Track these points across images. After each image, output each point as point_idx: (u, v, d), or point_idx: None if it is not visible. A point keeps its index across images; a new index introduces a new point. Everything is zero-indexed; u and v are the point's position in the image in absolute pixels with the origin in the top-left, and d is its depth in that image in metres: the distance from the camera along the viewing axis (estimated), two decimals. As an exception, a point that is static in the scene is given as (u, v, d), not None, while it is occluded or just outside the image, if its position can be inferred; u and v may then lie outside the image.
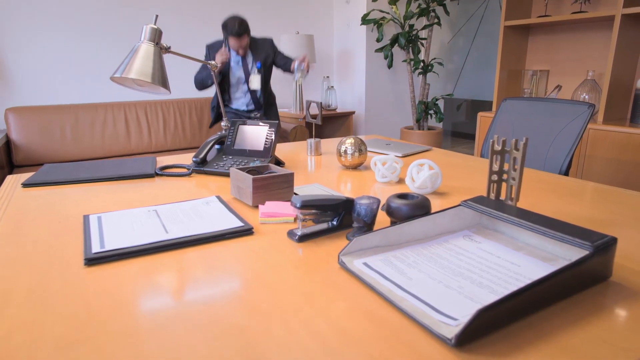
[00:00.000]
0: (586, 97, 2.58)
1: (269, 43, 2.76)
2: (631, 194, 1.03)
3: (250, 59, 2.72)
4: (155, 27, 1.22)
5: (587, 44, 2.74)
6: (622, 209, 0.92)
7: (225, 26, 2.55)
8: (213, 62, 1.46)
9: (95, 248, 0.70)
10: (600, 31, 2.65)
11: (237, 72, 2.74)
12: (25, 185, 1.11)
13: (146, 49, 1.20)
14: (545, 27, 2.92)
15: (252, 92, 2.80)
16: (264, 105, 2.87)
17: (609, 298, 0.57)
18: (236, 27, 2.51)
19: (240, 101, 2.84)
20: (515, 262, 0.64)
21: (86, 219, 0.84)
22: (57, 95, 2.85)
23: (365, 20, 3.34)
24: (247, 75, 2.73)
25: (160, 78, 1.20)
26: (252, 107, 2.88)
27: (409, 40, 3.30)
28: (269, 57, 2.74)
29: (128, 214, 0.87)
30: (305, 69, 2.60)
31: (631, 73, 2.52)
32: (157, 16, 1.25)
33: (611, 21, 2.55)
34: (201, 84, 2.73)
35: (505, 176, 0.83)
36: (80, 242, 0.75)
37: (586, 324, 0.51)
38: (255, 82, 2.70)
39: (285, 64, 2.77)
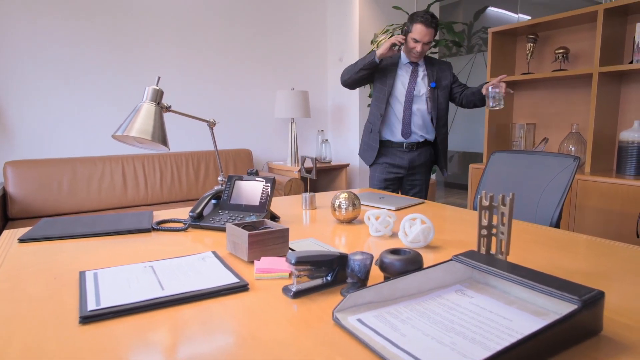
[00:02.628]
0: (572, 149, 2.67)
1: (448, 65, 2.30)
2: (620, 246, 1.05)
3: (421, 73, 2.23)
4: (157, 88, 1.28)
5: (569, 99, 2.86)
6: (612, 262, 0.94)
7: (414, 15, 2.12)
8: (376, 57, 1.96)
9: (91, 305, 0.70)
10: (581, 87, 2.78)
11: (400, 82, 2.22)
12: (22, 240, 1.12)
13: (147, 108, 1.25)
14: (529, 83, 3.07)
15: (410, 116, 2.22)
16: (437, 142, 2.30)
17: (601, 352, 0.57)
18: (428, 15, 2.07)
19: (396, 127, 2.27)
20: (507, 317, 0.65)
21: (82, 275, 0.85)
22: (57, 148, 2.90)
23: (357, 77, 3.49)
24: (411, 91, 2.20)
25: (160, 136, 1.24)
26: (408, 138, 2.27)
27: (400, 96, 3.43)
28: (446, 79, 2.25)
29: (124, 270, 0.87)
30: (503, 93, 1.94)
31: (613, 126, 2.63)
32: (159, 78, 1.32)
33: (589, 78, 2.69)
34: (350, 77, 2.23)
35: (494, 230, 0.85)
36: (76, 299, 0.76)
37: (578, 381, 0.51)
38: (425, 103, 2.22)
39: (463, 88, 2.25)
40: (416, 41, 2.10)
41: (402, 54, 2.24)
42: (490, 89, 1.95)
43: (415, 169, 2.33)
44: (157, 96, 1.28)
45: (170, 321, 0.67)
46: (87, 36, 2.91)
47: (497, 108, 1.96)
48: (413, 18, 2.10)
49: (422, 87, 2.22)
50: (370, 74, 2.23)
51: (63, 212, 2.76)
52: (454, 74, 2.28)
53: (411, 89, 2.20)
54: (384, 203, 1.55)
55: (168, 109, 1.31)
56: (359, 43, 3.57)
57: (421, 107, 2.23)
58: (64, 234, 1.15)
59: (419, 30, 2.07)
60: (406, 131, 2.25)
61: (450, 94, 2.29)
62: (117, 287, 0.78)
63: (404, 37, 2.09)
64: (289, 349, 0.59)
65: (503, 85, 1.94)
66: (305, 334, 0.63)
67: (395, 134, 2.27)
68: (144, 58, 3.12)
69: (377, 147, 2.29)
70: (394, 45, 2.07)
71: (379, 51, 2.10)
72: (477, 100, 2.20)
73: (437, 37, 3.84)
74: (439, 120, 2.29)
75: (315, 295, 0.77)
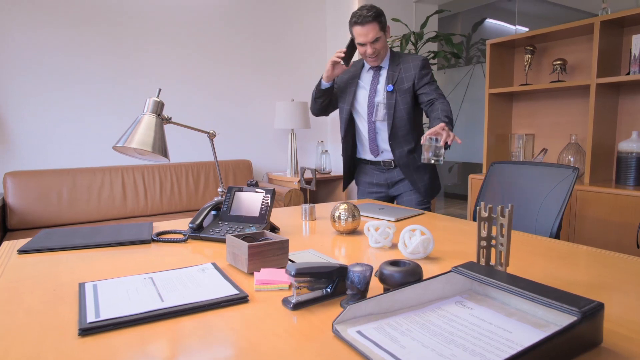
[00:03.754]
0: (571, 159, 2.68)
1: (416, 62, 1.84)
2: (620, 257, 1.05)
3: (383, 77, 1.88)
4: (157, 100, 1.29)
5: (568, 110, 2.88)
6: (612, 273, 0.94)
7: (350, 17, 1.78)
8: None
9: (90, 317, 0.70)
10: (579, 98, 2.80)
11: (362, 94, 1.91)
12: (21, 252, 1.12)
13: (148, 120, 1.26)
14: (527, 94, 3.09)
15: (375, 131, 1.91)
16: (398, 160, 1.91)
17: (601, 365, 0.57)
18: (362, 11, 1.72)
19: (365, 145, 1.98)
20: (507, 329, 0.65)
21: (82, 287, 0.85)
22: (57, 159, 2.91)
23: (357, 88, 3.52)
24: (372, 99, 1.88)
25: (161, 147, 1.25)
26: (379, 156, 1.96)
27: (399, 107, 3.45)
28: (408, 80, 1.83)
29: (124, 282, 0.87)
30: (442, 145, 1.49)
31: (612, 136, 2.64)
32: (160, 90, 1.33)
33: (587, 89, 2.71)
34: (313, 108, 2.02)
35: (494, 242, 0.85)
36: (75, 310, 0.76)
37: (579, 393, 0.51)
38: (381, 112, 1.86)
39: (430, 102, 1.80)
40: (362, 44, 1.78)
41: (365, 62, 1.93)
42: (428, 139, 1.49)
43: (399, 183, 1.99)
44: (158, 108, 1.29)
45: (169, 333, 0.67)
46: (87, 47, 2.94)
47: (433, 163, 1.54)
48: (349, 22, 1.78)
49: (381, 93, 1.87)
50: (333, 97, 1.99)
51: (63, 222, 2.76)
52: (423, 72, 1.82)
53: (372, 98, 1.88)
54: (384, 214, 1.55)
55: (169, 120, 1.32)
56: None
57: (379, 117, 1.88)
58: (63, 245, 1.15)
59: (357, 32, 1.75)
60: (373, 148, 1.94)
61: (416, 100, 1.87)
62: (116, 299, 0.78)
63: (344, 51, 1.77)
64: (288, 362, 0.59)
65: (444, 135, 1.47)
66: (305, 346, 0.63)
67: (366, 152, 1.99)
68: (144, 69, 3.14)
69: (350, 167, 2.07)
70: (336, 62, 1.79)
71: (324, 74, 1.86)
72: None
73: (435, 49, 3.88)
74: (396, 131, 1.86)
75: (315, 307, 0.77)
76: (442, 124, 1.50)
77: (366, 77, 1.92)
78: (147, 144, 1.22)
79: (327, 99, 1.97)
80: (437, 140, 1.49)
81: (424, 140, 1.51)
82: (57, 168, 2.86)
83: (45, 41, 2.81)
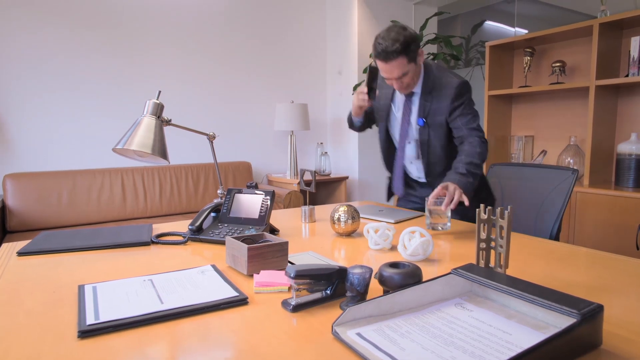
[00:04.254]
0: (571, 161, 2.68)
1: (449, 88, 1.53)
2: (619, 259, 1.05)
3: (415, 105, 1.60)
4: (157, 102, 1.29)
5: (567, 111, 2.89)
6: (612, 275, 0.94)
7: (373, 46, 1.48)
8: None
9: (90, 320, 0.70)
10: (578, 99, 2.81)
11: (396, 118, 1.67)
12: (21, 254, 1.12)
13: (148, 122, 1.26)
14: (526, 96, 3.09)
15: (410, 162, 1.71)
16: (431, 180, 1.69)
17: (601, 367, 0.57)
18: (385, 44, 1.41)
19: (411, 166, 1.73)
20: (506, 331, 0.65)
21: (81, 289, 0.85)
22: (57, 161, 2.91)
23: (356, 90, 3.52)
24: (405, 130, 1.63)
25: (160, 149, 1.25)
26: (422, 177, 1.72)
27: (399, 109, 3.45)
28: (441, 113, 1.56)
29: (123, 284, 0.87)
30: (444, 209, 1.28)
31: (611, 138, 2.64)
32: (159, 92, 1.33)
33: (586, 91, 2.72)
34: (351, 123, 1.79)
35: (493, 244, 0.85)
36: (75, 312, 0.75)
37: (578, 395, 0.51)
38: (412, 152, 1.66)
39: (459, 139, 1.54)
40: (387, 78, 1.52)
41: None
42: (432, 202, 1.34)
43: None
44: (158, 110, 1.29)
45: (169, 335, 0.67)
46: (87, 48, 2.94)
47: (439, 229, 1.35)
48: (373, 50, 1.49)
49: (413, 127, 1.62)
50: (371, 119, 1.78)
51: (62, 224, 2.75)
52: (456, 104, 1.52)
53: (404, 130, 1.63)
54: (383, 216, 1.55)
55: (168, 122, 1.32)
56: (357, 56, 3.61)
57: (410, 153, 1.67)
58: (63, 248, 1.15)
59: (380, 67, 1.49)
60: (408, 179, 1.76)
61: (450, 133, 1.59)
62: (116, 301, 0.78)
63: (366, 91, 1.52)
64: (288, 364, 0.59)
65: (446, 199, 1.28)
66: (305, 348, 0.63)
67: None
68: (144, 71, 3.15)
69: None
70: (362, 105, 1.58)
71: (352, 110, 1.67)
72: None
73: (435, 51, 3.88)
74: (433, 168, 1.64)
75: (314, 309, 0.77)
76: (443, 185, 1.32)
77: (399, 101, 1.65)
78: (147, 146, 1.22)
79: (364, 127, 1.79)
80: (437, 208, 1.33)
81: (429, 204, 1.34)
82: (56, 170, 2.86)
83: (46, 42, 2.81)
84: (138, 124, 1.26)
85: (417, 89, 1.58)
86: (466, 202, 1.28)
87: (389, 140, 1.73)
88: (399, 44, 1.40)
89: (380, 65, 1.48)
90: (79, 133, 2.96)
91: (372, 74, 1.51)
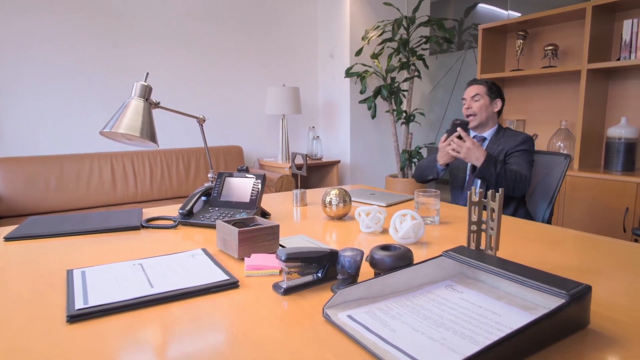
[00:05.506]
0: (561, 145, 2.69)
1: (520, 137, 1.76)
2: (608, 241, 1.06)
3: (485, 146, 1.83)
4: (145, 84, 1.26)
5: (558, 95, 2.89)
6: (600, 257, 0.95)
7: None
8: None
9: (79, 304, 0.69)
10: (570, 83, 2.81)
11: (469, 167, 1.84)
12: (7, 239, 1.10)
13: (136, 104, 1.24)
14: (519, 80, 3.09)
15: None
16: None
17: (588, 346, 0.58)
18: (477, 79, 1.82)
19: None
20: (496, 312, 0.66)
21: (69, 273, 0.84)
22: (45, 146, 2.86)
23: (348, 73, 3.49)
24: (471, 171, 1.82)
25: (149, 132, 1.23)
26: None
27: (391, 92, 3.44)
28: (503, 152, 1.75)
29: (113, 268, 0.86)
30: (443, 140, 1.70)
31: (601, 122, 2.66)
32: (147, 74, 1.30)
33: (578, 75, 2.72)
34: (420, 176, 1.94)
35: (484, 226, 0.86)
36: (64, 297, 0.75)
37: (566, 374, 0.52)
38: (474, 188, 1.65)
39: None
40: (464, 99, 1.86)
41: (471, 130, 1.87)
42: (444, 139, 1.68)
43: None
44: (146, 92, 1.26)
45: (159, 319, 0.67)
46: (74, 32, 2.87)
47: (427, 223, 1.26)
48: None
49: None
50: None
51: (51, 210, 2.72)
52: (519, 148, 1.72)
53: (471, 171, 1.81)
54: (375, 199, 1.55)
55: (157, 105, 1.30)
56: (349, 39, 3.57)
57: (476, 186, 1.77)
58: (51, 232, 1.14)
59: (466, 91, 1.87)
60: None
61: None
62: (105, 286, 0.77)
63: (452, 134, 1.68)
64: (279, 346, 0.59)
65: (450, 137, 1.65)
66: (296, 331, 0.63)
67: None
68: (132, 54, 3.08)
69: None
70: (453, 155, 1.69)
71: (440, 159, 1.76)
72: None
73: (427, 34, 3.85)
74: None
75: (305, 291, 0.77)
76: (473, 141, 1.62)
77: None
78: (135, 129, 1.20)
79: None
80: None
81: (441, 140, 1.70)
82: (44, 155, 2.81)
83: (32, 27, 2.73)
84: (126, 106, 1.24)
85: (488, 135, 1.85)
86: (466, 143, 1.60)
87: (460, 181, 1.90)
88: (485, 80, 1.85)
89: (467, 89, 1.87)
90: (67, 117, 2.91)
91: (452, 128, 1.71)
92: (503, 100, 1.86)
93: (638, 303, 0.71)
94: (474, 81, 1.88)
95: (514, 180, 1.61)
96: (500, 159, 1.71)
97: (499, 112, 1.86)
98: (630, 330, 0.62)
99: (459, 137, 1.66)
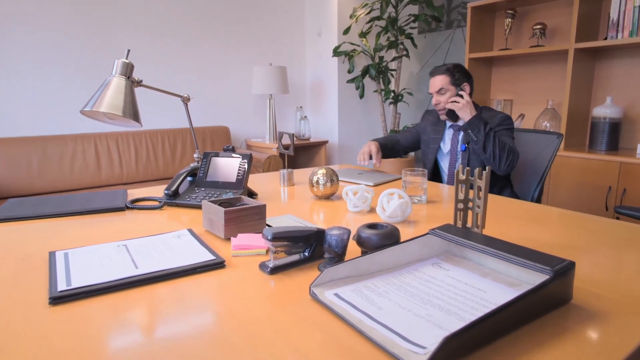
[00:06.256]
0: (547, 124, 2.71)
1: (496, 118, 1.73)
2: (591, 218, 1.08)
3: (461, 134, 1.79)
4: (126, 61, 1.23)
5: (546, 75, 2.89)
6: (583, 233, 0.96)
7: None
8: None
9: (61, 286, 0.68)
10: (557, 63, 2.81)
11: (444, 146, 1.85)
12: (-12, 221, 1.07)
13: (117, 82, 1.20)
14: (507, 59, 3.08)
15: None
16: None
17: (570, 321, 0.59)
18: (437, 66, 1.79)
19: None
20: (482, 289, 0.66)
21: (52, 255, 0.82)
22: (25, 126, 2.79)
23: (336, 52, 3.44)
24: (454, 155, 1.80)
25: (132, 111, 1.20)
26: None
27: (379, 72, 3.40)
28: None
29: (96, 250, 0.85)
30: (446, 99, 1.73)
31: (587, 102, 2.67)
32: (128, 51, 1.26)
33: (565, 54, 2.72)
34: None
35: (471, 204, 0.86)
36: (46, 280, 0.73)
37: (549, 347, 0.52)
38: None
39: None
40: (431, 95, 1.81)
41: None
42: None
43: None
44: (127, 70, 1.23)
45: (144, 300, 0.66)
46: (53, 8, 2.76)
47: (415, 202, 1.25)
48: None
49: (459, 153, 1.79)
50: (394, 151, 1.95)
51: (34, 192, 2.67)
52: (497, 128, 1.69)
53: (452, 159, 1.81)
54: (363, 179, 1.55)
55: (139, 83, 1.26)
56: (337, 17, 3.51)
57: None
58: (32, 214, 1.11)
59: (429, 83, 1.81)
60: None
61: None
62: (88, 267, 0.76)
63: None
64: (266, 325, 0.59)
65: (454, 97, 1.70)
66: (283, 310, 0.63)
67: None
68: (114, 31, 2.99)
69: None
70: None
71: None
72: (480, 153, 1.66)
73: (416, 12, 3.80)
74: None
75: (292, 271, 0.76)
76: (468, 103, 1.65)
77: (447, 134, 1.84)
78: (117, 108, 1.17)
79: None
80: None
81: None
82: (25, 136, 2.74)
83: (10, 5, 2.63)
84: (107, 84, 1.20)
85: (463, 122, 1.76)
86: (458, 103, 1.65)
87: (435, 168, 1.92)
88: (446, 66, 1.76)
89: (430, 81, 1.80)
90: (48, 97, 2.83)
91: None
92: (471, 81, 1.79)
93: (619, 278, 0.72)
94: (436, 71, 1.78)
95: (502, 149, 1.60)
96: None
97: (470, 94, 1.77)
98: (611, 305, 0.63)
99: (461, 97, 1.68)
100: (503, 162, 1.61)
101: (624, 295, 0.66)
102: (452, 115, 1.75)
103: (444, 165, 1.86)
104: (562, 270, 0.61)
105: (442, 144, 1.85)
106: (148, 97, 3.19)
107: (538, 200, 1.75)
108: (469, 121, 1.64)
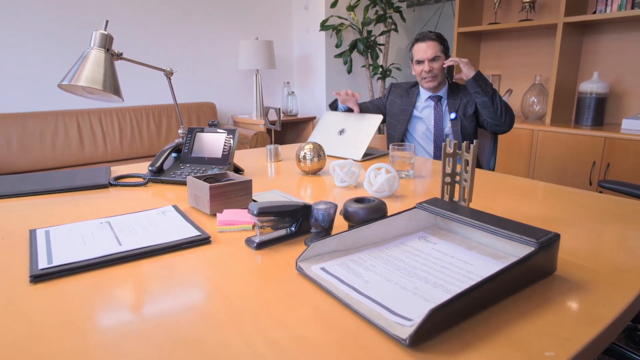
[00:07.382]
0: (535, 100, 2.72)
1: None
2: (575, 192, 1.09)
3: (444, 106, 1.78)
4: (105, 32, 1.18)
5: (534, 50, 2.88)
6: (567, 207, 0.97)
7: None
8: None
9: (42, 264, 0.67)
10: (546, 38, 2.79)
11: (420, 124, 1.83)
12: (-34, 199, 1.04)
13: (96, 55, 1.16)
14: (495, 33, 3.05)
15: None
16: None
17: (554, 291, 0.60)
18: (425, 31, 1.75)
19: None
20: (468, 261, 0.67)
21: (32, 233, 0.80)
22: (3, 103, 2.70)
23: (324, 26, 3.37)
24: (439, 125, 1.79)
25: (112, 85, 1.16)
26: None
27: (368, 46, 3.35)
28: (471, 104, 1.74)
29: (79, 227, 0.83)
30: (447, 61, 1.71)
31: (574, 77, 2.67)
32: (107, 22, 1.21)
33: (554, 29, 2.70)
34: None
35: (458, 178, 0.86)
36: (26, 258, 0.72)
37: (533, 317, 0.53)
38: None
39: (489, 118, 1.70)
40: (419, 62, 1.75)
41: (421, 90, 1.83)
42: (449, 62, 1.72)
43: None
44: (106, 42, 1.18)
45: (128, 277, 0.65)
46: (26, -23, 2.64)
47: (402, 177, 1.26)
48: (411, 44, 1.81)
49: (447, 123, 1.78)
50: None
51: (15, 171, 2.61)
52: None
53: (438, 130, 1.79)
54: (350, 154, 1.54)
55: (119, 56, 1.22)
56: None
57: None
58: (12, 192, 1.09)
59: (417, 49, 1.75)
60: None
61: (478, 120, 1.77)
62: (70, 245, 0.74)
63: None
64: (253, 301, 0.58)
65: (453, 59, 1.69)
66: (269, 285, 0.62)
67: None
68: (95, 1, 2.88)
69: None
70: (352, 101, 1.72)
71: (340, 99, 1.77)
72: (482, 109, 1.69)
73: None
74: None
75: (279, 246, 0.76)
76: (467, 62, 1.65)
77: (424, 109, 1.81)
78: (97, 82, 1.13)
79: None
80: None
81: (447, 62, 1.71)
82: (3, 112, 2.66)
83: (-25, -32, 2.50)
84: (85, 57, 1.16)
85: (443, 94, 1.79)
86: (456, 63, 1.67)
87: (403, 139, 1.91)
88: (436, 33, 1.74)
89: (417, 47, 1.75)
90: (26, 72, 2.74)
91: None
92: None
93: (601, 250, 0.73)
94: (427, 37, 1.73)
95: (505, 104, 1.66)
96: (469, 111, 1.74)
97: None
98: (594, 276, 0.64)
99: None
100: (508, 117, 1.66)
101: (606, 267, 0.67)
102: (450, 73, 1.77)
103: (417, 136, 1.84)
104: (547, 243, 0.61)
105: (415, 112, 1.83)
106: (132, 72, 3.10)
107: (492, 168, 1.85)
108: (477, 73, 1.64)
